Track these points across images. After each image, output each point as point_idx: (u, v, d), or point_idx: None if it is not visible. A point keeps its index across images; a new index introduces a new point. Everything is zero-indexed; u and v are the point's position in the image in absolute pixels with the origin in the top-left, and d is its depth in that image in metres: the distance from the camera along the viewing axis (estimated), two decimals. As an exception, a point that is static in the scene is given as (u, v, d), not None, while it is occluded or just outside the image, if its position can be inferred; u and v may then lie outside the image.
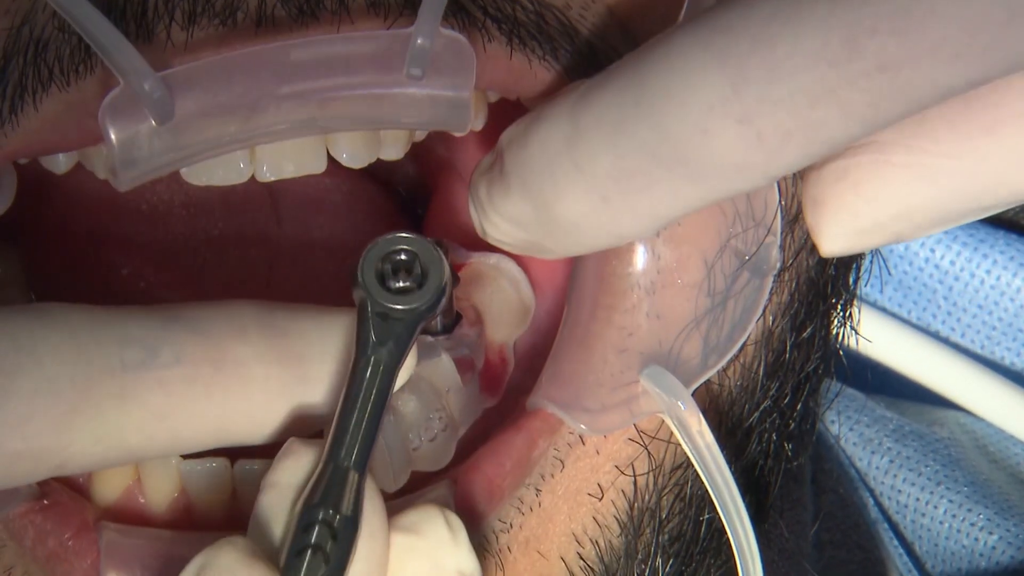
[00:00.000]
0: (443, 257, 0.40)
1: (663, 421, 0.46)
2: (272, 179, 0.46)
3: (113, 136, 0.38)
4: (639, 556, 0.48)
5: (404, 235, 0.40)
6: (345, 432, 0.39)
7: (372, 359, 0.40)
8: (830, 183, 0.41)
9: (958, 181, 0.40)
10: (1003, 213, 0.62)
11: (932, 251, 0.62)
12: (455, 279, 0.43)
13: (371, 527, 0.40)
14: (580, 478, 0.46)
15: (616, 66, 0.38)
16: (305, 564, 0.37)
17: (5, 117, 0.40)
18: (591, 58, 0.43)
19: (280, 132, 0.40)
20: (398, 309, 0.39)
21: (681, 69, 0.36)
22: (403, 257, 0.40)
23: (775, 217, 0.46)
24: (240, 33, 0.40)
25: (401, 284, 0.40)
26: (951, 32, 0.33)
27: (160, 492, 0.46)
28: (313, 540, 0.37)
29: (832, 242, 0.41)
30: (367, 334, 0.40)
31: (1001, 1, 0.33)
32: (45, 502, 0.44)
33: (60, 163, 0.45)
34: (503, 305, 0.49)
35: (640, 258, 0.45)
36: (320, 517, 0.37)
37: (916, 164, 0.40)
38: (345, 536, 0.38)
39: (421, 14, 0.39)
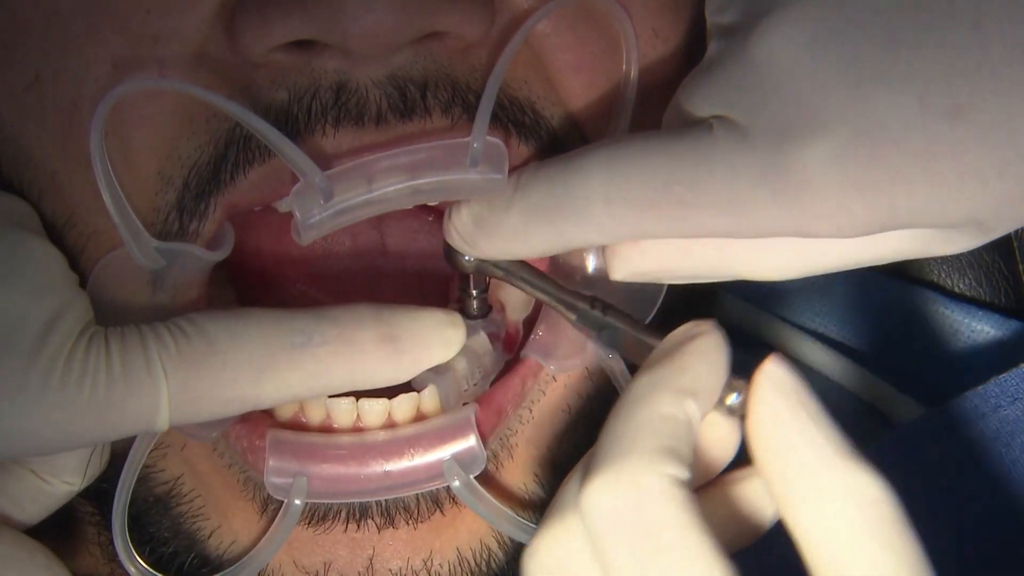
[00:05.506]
0: None
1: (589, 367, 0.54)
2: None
3: (298, 213, 0.46)
4: (576, 437, 0.56)
5: None
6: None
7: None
8: (627, 244, 0.48)
9: (709, 263, 0.47)
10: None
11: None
12: (488, 284, 0.54)
13: None
14: (554, 401, 0.55)
15: (549, 161, 0.46)
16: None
17: (228, 180, 0.47)
18: (552, 144, 0.50)
19: (393, 204, 0.47)
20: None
21: (585, 174, 0.44)
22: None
23: None
24: (366, 129, 0.46)
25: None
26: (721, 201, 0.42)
27: (315, 416, 0.54)
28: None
29: (616, 275, 0.49)
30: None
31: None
32: (243, 419, 0.52)
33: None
34: (516, 299, 0.57)
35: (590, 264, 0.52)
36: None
37: (686, 248, 0.47)
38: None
39: (474, 129, 0.46)
